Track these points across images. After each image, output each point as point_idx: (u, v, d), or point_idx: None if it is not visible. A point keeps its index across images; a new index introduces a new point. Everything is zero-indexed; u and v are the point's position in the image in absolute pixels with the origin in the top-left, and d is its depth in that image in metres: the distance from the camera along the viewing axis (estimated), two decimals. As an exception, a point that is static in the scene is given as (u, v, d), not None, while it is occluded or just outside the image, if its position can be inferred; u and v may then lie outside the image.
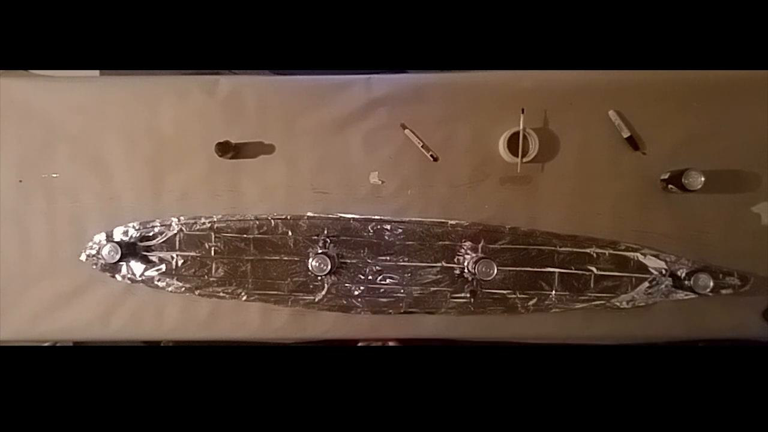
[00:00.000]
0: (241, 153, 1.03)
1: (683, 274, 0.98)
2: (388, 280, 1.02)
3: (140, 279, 1.02)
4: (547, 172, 1.02)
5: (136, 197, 1.04)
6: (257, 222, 1.02)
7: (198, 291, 1.02)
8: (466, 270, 1.00)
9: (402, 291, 1.02)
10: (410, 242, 1.01)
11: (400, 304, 1.02)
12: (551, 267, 1.00)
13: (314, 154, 1.04)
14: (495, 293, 1.01)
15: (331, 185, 1.03)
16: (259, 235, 1.01)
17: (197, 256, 1.02)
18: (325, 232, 1.01)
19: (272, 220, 1.02)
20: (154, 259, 1.02)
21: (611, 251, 1.00)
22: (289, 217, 1.02)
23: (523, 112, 0.99)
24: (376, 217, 1.01)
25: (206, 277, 1.02)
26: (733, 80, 1.00)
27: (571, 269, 1.00)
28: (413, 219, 1.01)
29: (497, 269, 0.93)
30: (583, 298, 1.00)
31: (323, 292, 1.02)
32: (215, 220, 1.02)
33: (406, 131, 1.03)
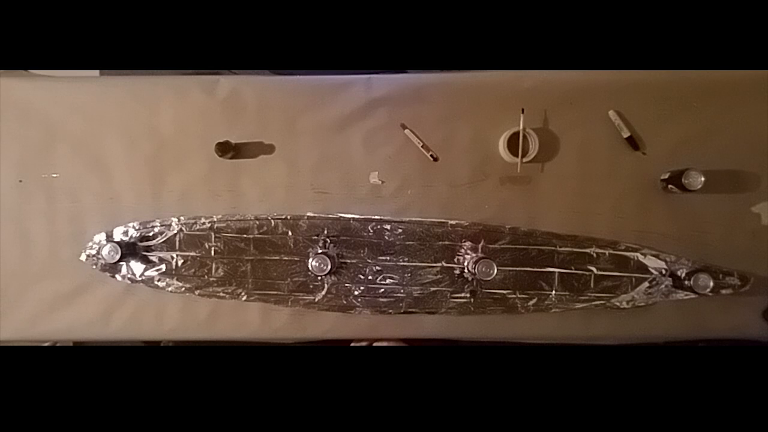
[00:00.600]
0: (241, 153, 1.03)
1: (683, 274, 0.98)
2: (388, 280, 1.02)
3: (140, 279, 1.02)
4: (547, 172, 1.02)
5: (136, 197, 1.04)
6: (257, 222, 1.02)
7: (198, 291, 1.02)
8: (466, 270, 1.00)
9: (402, 291, 1.02)
10: (410, 242, 1.01)
11: (400, 304, 1.02)
12: (551, 267, 1.00)
13: (314, 154, 1.04)
14: (495, 293, 1.01)
15: (331, 185, 1.04)
16: (259, 235, 1.01)
17: (197, 256, 1.02)
18: (325, 232, 1.01)
19: (272, 220, 1.02)
20: (154, 259, 1.02)
21: (611, 251, 1.00)
22: (289, 217, 1.02)
23: (523, 112, 0.99)
24: (376, 217, 1.01)
25: (206, 277, 1.02)
26: (733, 80, 1.00)
27: (571, 269, 1.00)
28: (413, 219, 1.01)
29: (497, 269, 0.93)
30: (583, 298, 1.00)
31: (323, 292, 1.02)
32: (215, 220, 1.02)
33: (406, 131, 1.03)
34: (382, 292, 1.02)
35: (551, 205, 1.02)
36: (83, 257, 1.02)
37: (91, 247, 1.02)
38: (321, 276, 0.98)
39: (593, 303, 1.00)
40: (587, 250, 1.00)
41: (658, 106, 1.01)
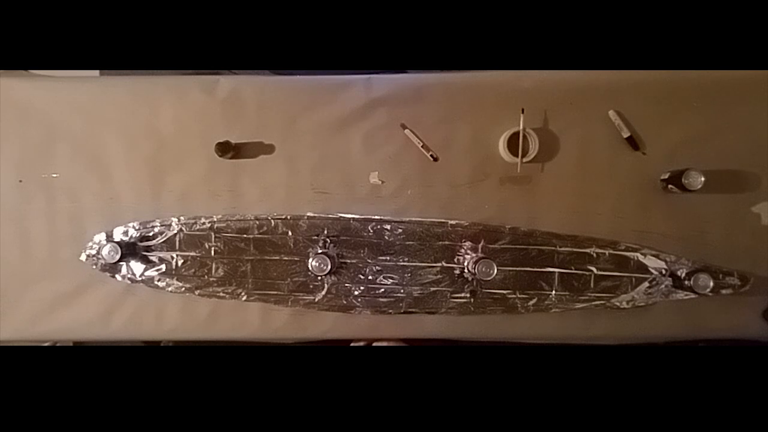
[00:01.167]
0: (241, 153, 1.03)
1: (683, 274, 0.98)
2: (388, 280, 1.02)
3: (140, 279, 1.02)
4: (547, 172, 1.02)
5: (136, 197, 1.04)
6: (257, 222, 1.02)
7: (198, 291, 1.02)
8: (466, 270, 1.00)
9: (402, 291, 1.02)
10: (410, 242, 1.01)
11: (400, 304, 1.02)
12: (551, 267, 1.00)
13: (314, 154, 1.04)
14: (495, 293, 1.01)
15: (331, 185, 1.04)
16: (259, 235, 1.01)
17: (197, 256, 1.02)
18: (325, 232, 1.01)
19: (272, 220, 1.02)
20: (154, 259, 1.02)
21: (611, 251, 1.00)
22: (289, 217, 1.02)
23: (523, 112, 0.99)
24: (376, 217, 1.01)
25: (206, 277, 1.02)
26: (733, 80, 1.00)
27: (571, 269, 1.00)
28: (413, 219, 1.01)
29: (497, 269, 0.93)
30: (583, 298, 1.00)
31: (323, 292, 1.02)
32: (215, 220, 1.02)
33: (406, 131, 1.03)
34: (382, 292, 1.02)
35: (551, 205, 1.02)
36: (83, 257, 1.02)
37: (91, 247, 1.02)
38: (321, 276, 0.98)
39: (593, 303, 1.00)
40: (587, 250, 1.00)
41: (658, 106, 1.01)
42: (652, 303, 1.00)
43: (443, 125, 1.03)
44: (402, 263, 1.01)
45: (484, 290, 1.01)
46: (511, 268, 1.00)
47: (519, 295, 1.01)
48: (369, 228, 1.01)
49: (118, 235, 1.02)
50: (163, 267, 1.02)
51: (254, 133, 1.04)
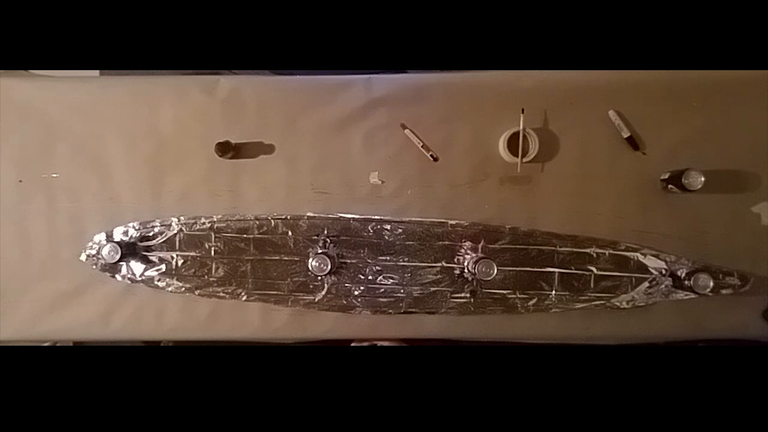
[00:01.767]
0: (241, 153, 1.03)
1: (683, 274, 0.98)
2: (388, 280, 1.02)
3: (140, 279, 1.02)
4: (547, 172, 1.02)
5: (136, 197, 1.04)
6: (257, 222, 1.02)
7: (198, 291, 1.02)
8: (466, 270, 1.00)
9: (402, 291, 1.02)
10: (410, 242, 1.01)
11: (400, 304, 1.02)
12: (551, 267, 1.00)
13: (314, 154, 1.04)
14: (495, 293, 1.01)
15: (331, 185, 1.04)
16: (259, 235, 1.01)
17: (197, 256, 1.02)
18: (325, 232, 1.01)
19: (272, 220, 1.02)
20: (154, 259, 1.02)
21: (611, 251, 1.00)
22: (289, 217, 1.02)
23: (523, 112, 0.99)
24: (376, 217, 1.01)
25: (206, 277, 1.02)
26: (733, 80, 1.00)
27: (571, 269, 1.00)
28: (413, 219, 1.01)
29: (497, 269, 0.93)
30: (583, 298, 1.00)
31: (323, 292, 1.02)
32: (215, 220, 1.02)
33: (406, 131, 1.03)
34: (382, 292, 1.02)
35: (551, 205, 1.02)
36: (83, 257, 1.02)
37: (91, 247, 1.02)
38: (321, 276, 0.98)
39: (593, 303, 1.00)
40: (587, 250, 1.00)
41: (658, 106, 1.01)
42: (652, 303, 1.00)
43: (443, 125, 1.03)
44: (402, 263, 1.01)
45: (484, 290, 1.01)
46: (511, 268, 1.00)
47: (519, 295, 1.01)
48: (369, 228, 1.01)
49: (118, 235, 1.02)
50: (163, 267, 1.02)
51: (254, 133, 1.04)
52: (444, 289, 1.01)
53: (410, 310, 1.02)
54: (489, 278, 0.93)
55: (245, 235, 1.01)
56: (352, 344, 1.06)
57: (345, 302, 1.02)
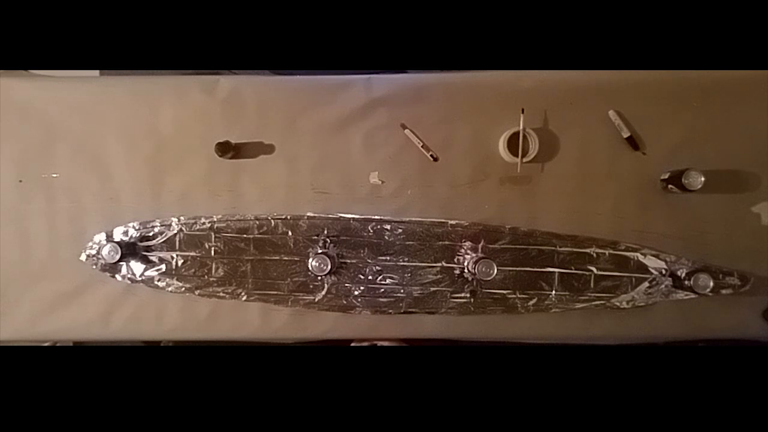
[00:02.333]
0: (241, 153, 1.03)
1: (683, 274, 0.98)
2: (388, 280, 1.02)
3: (140, 279, 1.02)
4: (547, 172, 1.02)
5: (136, 197, 1.04)
6: (257, 222, 1.02)
7: (198, 291, 1.02)
8: (466, 270, 1.00)
9: (402, 291, 1.02)
10: (410, 242, 1.01)
11: (400, 304, 1.02)
12: (551, 267, 1.00)
13: (314, 154, 1.04)
14: (495, 293, 1.01)
15: (331, 185, 1.04)
16: (259, 235, 1.01)
17: (197, 256, 1.02)
18: (325, 232, 1.01)
19: (272, 220, 1.02)
20: (154, 259, 1.02)
21: (611, 251, 1.00)
22: (289, 217, 1.02)
23: (523, 112, 0.99)
24: (376, 217, 1.01)
25: (206, 277, 1.02)
26: (733, 80, 1.00)
27: (571, 269, 1.00)
28: (413, 219, 1.01)
29: (497, 269, 0.93)
30: (583, 298, 1.00)
31: (323, 292, 1.02)
32: (215, 220, 1.02)
33: (406, 131, 1.03)
34: (382, 292, 1.02)
35: (551, 205, 1.02)
36: (83, 257, 1.02)
37: (91, 247, 1.02)
38: (321, 276, 0.98)
39: (593, 303, 1.00)
40: (587, 250, 1.00)
41: (658, 106, 1.01)
42: (652, 303, 1.00)
43: (443, 125, 1.03)
44: (402, 263, 1.01)
45: (484, 290, 1.01)
46: (511, 268, 1.00)
47: (519, 295, 1.01)
48: (369, 228, 1.01)
49: (118, 235, 1.02)
50: (163, 267, 1.02)
51: (254, 133, 1.04)
52: (444, 289, 1.01)
53: (410, 310, 1.02)
54: (489, 278, 0.93)
55: (245, 235, 1.01)
56: (352, 344, 1.06)
57: (345, 302, 1.02)
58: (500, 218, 1.02)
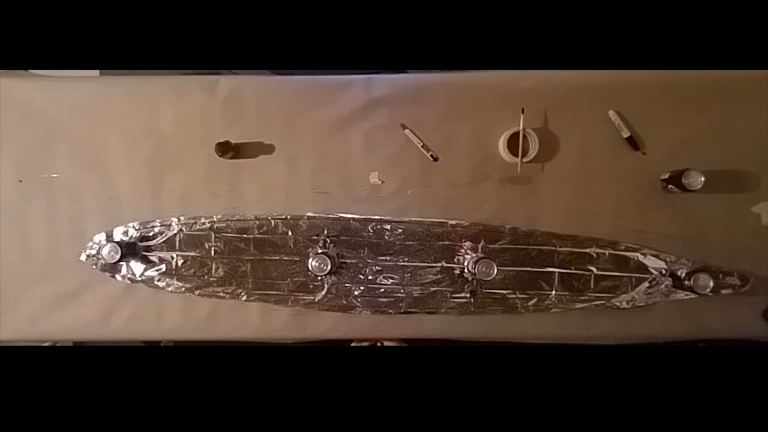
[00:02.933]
0: (241, 153, 1.03)
1: (683, 274, 0.98)
2: (388, 280, 1.02)
3: (140, 279, 1.02)
4: (547, 172, 1.02)
5: (136, 197, 1.04)
6: (257, 222, 1.02)
7: (198, 291, 1.02)
8: (466, 270, 1.00)
9: (402, 291, 1.02)
10: (410, 242, 1.01)
11: (400, 304, 1.02)
12: (551, 267, 1.00)
13: (314, 154, 1.04)
14: (495, 293, 1.01)
15: (331, 185, 1.03)
16: (259, 235, 1.01)
17: (197, 256, 1.02)
18: (325, 232, 1.01)
19: (272, 220, 1.02)
20: (154, 259, 1.02)
21: (611, 251, 1.00)
22: (289, 217, 1.02)
23: (523, 112, 0.99)
24: (376, 217, 1.01)
25: (206, 277, 1.02)
26: (733, 80, 1.00)
27: (571, 269, 1.00)
28: (413, 219, 1.01)
29: (497, 269, 0.93)
30: (583, 298, 1.00)
31: (323, 292, 1.02)
32: (215, 220, 1.02)
33: (406, 131, 1.03)
34: (382, 292, 1.02)
35: (551, 205, 1.02)
36: (83, 257, 1.02)
37: (91, 247, 1.02)
38: (321, 276, 0.98)
39: (593, 303, 1.00)
40: (587, 250, 1.00)
41: (658, 106, 1.01)
42: (652, 303, 1.00)
43: (443, 125, 1.03)
44: (402, 263, 1.01)
45: (484, 290, 1.01)
46: (511, 268, 1.00)
47: (519, 295, 1.01)
48: (369, 228, 1.01)
49: (118, 235, 1.02)
50: (163, 267, 1.02)
51: (254, 133, 1.04)
52: (444, 289, 1.01)
53: (410, 310, 1.02)
54: (489, 278, 0.93)
55: (245, 235, 1.01)
56: (352, 344, 1.06)
57: (345, 302, 1.02)
58: (500, 218, 1.02)
